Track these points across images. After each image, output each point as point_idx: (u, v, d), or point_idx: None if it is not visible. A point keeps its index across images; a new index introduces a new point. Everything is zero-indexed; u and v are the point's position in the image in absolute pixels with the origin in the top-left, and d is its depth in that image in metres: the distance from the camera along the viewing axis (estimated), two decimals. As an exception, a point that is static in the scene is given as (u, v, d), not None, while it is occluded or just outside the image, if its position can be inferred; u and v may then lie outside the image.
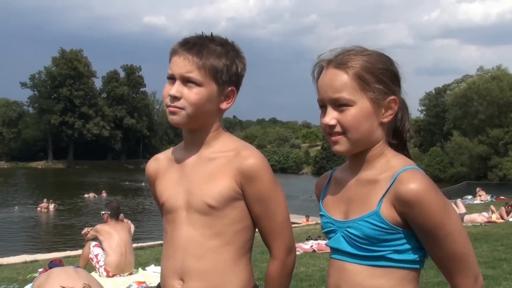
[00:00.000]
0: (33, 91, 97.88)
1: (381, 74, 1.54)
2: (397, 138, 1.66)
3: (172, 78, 1.75)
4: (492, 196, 25.19)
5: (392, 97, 1.56)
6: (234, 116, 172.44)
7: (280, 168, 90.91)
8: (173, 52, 1.76)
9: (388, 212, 1.49)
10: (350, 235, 1.56)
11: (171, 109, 1.74)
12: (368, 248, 1.53)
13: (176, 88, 1.72)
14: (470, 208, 16.95)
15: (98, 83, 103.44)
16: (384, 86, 1.54)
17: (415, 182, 1.45)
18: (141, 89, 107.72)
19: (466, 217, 13.99)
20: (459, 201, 16.10)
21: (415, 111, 79.93)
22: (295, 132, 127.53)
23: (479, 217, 13.94)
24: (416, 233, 1.50)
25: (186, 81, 1.72)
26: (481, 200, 23.80)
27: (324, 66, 1.59)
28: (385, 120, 1.57)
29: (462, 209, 14.86)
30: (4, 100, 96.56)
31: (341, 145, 1.57)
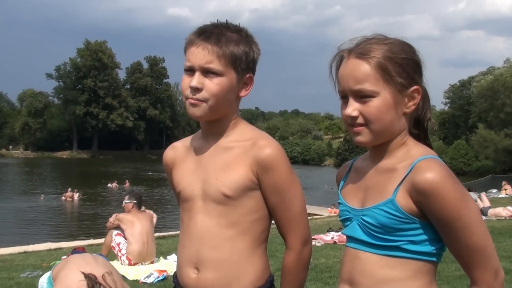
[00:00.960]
0: (58, 82, 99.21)
1: (404, 64, 1.51)
2: (417, 128, 1.63)
3: (190, 70, 1.73)
4: (517, 190, 24.76)
5: (415, 87, 1.53)
6: (256, 108, 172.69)
7: (302, 159, 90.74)
8: (190, 43, 1.73)
9: (404, 201, 1.46)
10: (365, 223, 1.53)
11: (192, 101, 1.72)
12: (382, 237, 1.50)
13: (197, 80, 1.70)
14: (495, 202, 16.70)
15: (121, 75, 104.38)
16: (407, 76, 1.51)
17: (432, 171, 1.42)
18: (164, 80, 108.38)
19: (491, 211, 13.79)
20: (483, 194, 15.86)
21: (440, 103, 79.03)
22: (317, 124, 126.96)
23: (504, 211, 13.72)
24: (433, 224, 1.47)
25: (206, 72, 1.70)
26: (507, 194, 23.44)
27: (345, 56, 1.56)
28: (408, 110, 1.55)
29: (486, 202, 14.65)
30: (30, 91, 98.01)
31: (364, 136, 1.55)
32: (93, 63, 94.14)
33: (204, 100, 1.71)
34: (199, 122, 1.85)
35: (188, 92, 1.72)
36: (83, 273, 2.29)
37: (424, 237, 1.49)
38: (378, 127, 1.52)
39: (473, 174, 55.34)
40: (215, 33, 1.71)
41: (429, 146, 1.62)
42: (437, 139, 70.42)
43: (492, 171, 52.61)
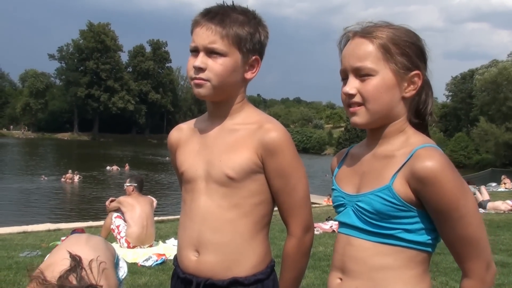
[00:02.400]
0: (61, 63, 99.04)
1: (406, 47, 1.51)
2: (418, 118, 1.62)
3: (195, 51, 1.73)
4: (517, 184, 24.78)
5: (416, 71, 1.52)
6: (258, 95, 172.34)
7: (303, 148, 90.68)
8: (195, 23, 1.73)
9: (401, 188, 1.45)
10: (360, 209, 1.52)
11: (196, 81, 1.72)
12: (377, 224, 1.49)
13: (200, 60, 1.70)
14: (494, 196, 16.71)
15: (124, 57, 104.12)
16: (408, 59, 1.51)
17: (432, 160, 1.41)
18: (167, 65, 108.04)
19: (490, 204, 13.80)
20: (483, 188, 15.86)
21: (442, 95, 78.80)
22: (319, 112, 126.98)
23: (503, 205, 13.73)
24: (429, 213, 1.47)
25: (210, 52, 1.70)
26: (506, 188, 23.44)
27: (350, 36, 1.56)
28: (408, 95, 1.54)
29: (486, 196, 14.65)
30: (32, 71, 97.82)
31: (360, 117, 1.54)
32: (96, 45, 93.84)
33: (208, 80, 1.71)
34: (206, 104, 1.85)
35: (192, 72, 1.73)
36: (69, 253, 2.29)
37: (419, 226, 1.48)
38: (375, 106, 1.51)
39: (473, 167, 55.36)
40: (220, 13, 1.71)
41: (428, 136, 1.61)
42: (438, 131, 70.36)
43: (492, 164, 52.60)
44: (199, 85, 1.72)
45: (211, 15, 1.71)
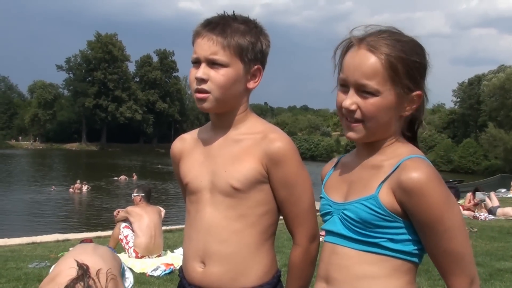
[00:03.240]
0: (69, 74, 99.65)
1: (414, 68, 1.48)
2: (410, 131, 1.61)
3: (197, 62, 1.72)
4: (527, 190, 24.57)
5: (418, 92, 1.50)
6: (265, 103, 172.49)
7: (311, 156, 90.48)
8: (197, 34, 1.73)
9: (387, 198, 1.44)
10: (346, 217, 1.51)
11: (199, 95, 1.71)
12: (362, 233, 1.47)
13: (202, 71, 1.69)
14: (504, 202, 16.58)
15: (131, 67, 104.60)
16: (413, 81, 1.48)
17: (418, 171, 1.39)
18: (174, 74, 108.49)
19: (499, 211, 13.70)
20: (492, 194, 15.75)
21: (449, 102, 78.53)
22: (326, 120, 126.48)
23: (513, 211, 13.63)
24: (414, 225, 1.44)
25: (212, 63, 1.69)
26: (515, 194, 23.24)
27: (355, 44, 1.51)
28: (406, 114, 1.53)
29: (495, 202, 14.54)
30: (40, 82, 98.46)
31: (356, 133, 1.53)
32: (103, 56, 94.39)
33: (210, 91, 1.70)
34: (209, 115, 1.85)
35: (194, 84, 1.72)
36: (77, 261, 2.29)
37: (405, 236, 1.46)
38: (374, 125, 1.49)
39: (482, 173, 55.01)
40: (220, 24, 1.71)
41: (417, 147, 1.59)
42: (446, 137, 70.09)
43: (501, 170, 52.19)
44: (202, 100, 1.72)
45: (212, 25, 1.71)
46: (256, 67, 1.76)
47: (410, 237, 1.46)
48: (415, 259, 1.49)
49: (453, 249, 1.42)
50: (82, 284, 2.33)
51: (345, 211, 1.53)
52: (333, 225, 1.57)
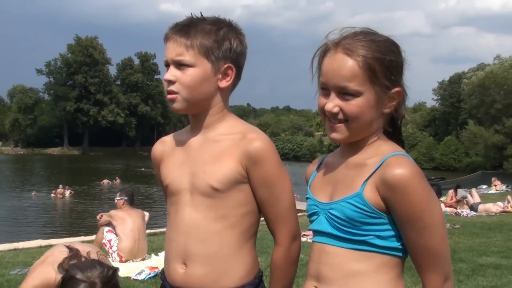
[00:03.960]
0: (49, 78, 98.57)
1: (390, 67, 1.51)
2: (392, 126, 1.63)
3: (167, 65, 1.75)
4: (507, 186, 24.91)
5: (397, 88, 1.53)
6: (248, 104, 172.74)
7: (294, 156, 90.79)
8: (165, 38, 1.76)
9: (371, 195, 1.47)
10: (332, 216, 1.53)
11: (169, 96, 1.74)
12: (349, 231, 1.50)
13: (170, 73, 1.72)
14: (485, 198, 16.79)
15: (112, 71, 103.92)
16: (391, 78, 1.51)
17: (402, 167, 1.43)
18: (156, 77, 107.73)
19: (481, 207, 13.87)
20: (474, 190, 15.95)
21: (430, 100, 79.30)
22: (309, 120, 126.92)
23: (494, 207, 13.81)
24: (395, 220, 1.48)
25: (178, 64, 1.71)
26: (496, 190, 23.57)
27: (331, 48, 1.53)
28: (387, 110, 1.56)
29: (477, 198, 14.73)
30: (20, 87, 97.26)
31: (340, 134, 1.55)
32: (84, 59, 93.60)
33: (178, 92, 1.72)
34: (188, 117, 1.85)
35: (166, 86, 1.75)
36: (65, 245, 2.28)
37: (390, 233, 1.49)
38: (357, 125, 1.52)
39: (464, 170, 55.67)
40: (186, 25, 1.73)
41: (402, 142, 1.63)
42: (428, 135, 70.77)
43: (482, 167, 52.96)
44: (172, 100, 1.74)
45: (178, 27, 1.73)
46: (226, 65, 1.76)
47: (395, 233, 1.49)
48: (402, 254, 1.52)
49: (430, 246, 1.45)
50: (75, 261, 2.32)
51: (331, 211, 1.55)
52: (320, 225, 1.59)
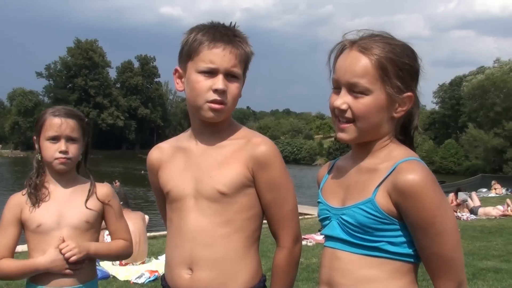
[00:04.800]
0: (49, 81, 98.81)
1: (404, 69, 1.50)
2: (404, 134, 1.62)
3: (211, 72, 1.70)
4: (507, 190, 24.92)
5: (409, 93, 1.52)
6: (248, 107, 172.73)
7: (294, 159, 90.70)
8: (212, 44, 1.70)
9: (383, 201, 1.45)
10: (344, 222, 1.52)
11: (216, 106, 1.70)
12: (362, 237, 1.48)
13: (223, 82, 1.69)
14: (485, 201, 16.78)
15: (112, 74, 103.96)
16: (404, 81, 1.50)
17: (414, 173, 1.41)
18: (155, 79, 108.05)
19: (481, 210, 13.87)
20: (474, 194, 15.94)
21: (430, 103, 79.28)
22: (308, 123, 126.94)
23: (494, 210, 13.82)
24: (408, 227, 1.46)
25: (228, 75, 1.71)
26: (496, 193, 23.57)
27: (347, 46, 1.54)
28: (397, 115, 1.54)
29: (477, 202, 14.73)
30: (20, 90, 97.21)
31: (348, 134, 1.54)
32: (84, 62, 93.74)
33: (226, 103, 1.72)
34: (194, 121, 1.84)
35: (209, 94, 1.70)
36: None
37: (403, 239, 1.47)
38: (365, 125, 1.51)
39: (463, 173, 55.61)
40: (233, 35, 1.73)
41: (413, 151, 1.60)
42: (428, 138, 70.73)
43: (482, 170, 52.85)
44: (218, 111, 1.71)
45: (228, 37, 1.71)
46: (245, 76, 1.80)
47: (408, 239, 1.48)
48: (414, 260, 1.50)
49: (442, 253, 1.44)
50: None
51: (343, 216, 1.54)
52: (332, 230, 1.58)
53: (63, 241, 2.17)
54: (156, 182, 1.91)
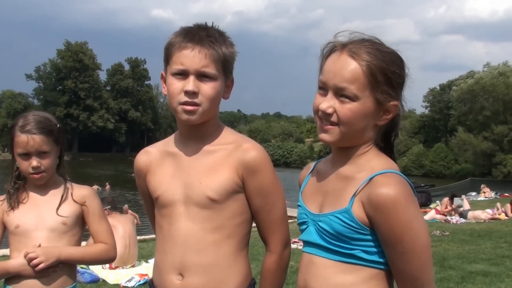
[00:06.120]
0: (38, 83, 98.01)
1: (392, 78, 1.49)
2: (385, 141, 1.61)
3: (182, 74, 1.69)
4: (496, 193, 25.10)
5: (395, 102, 1.52)
6: (238, 110, 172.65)
7: (284, 162, 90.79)
8: (181, 46, 1.70)
9: (359, 212, 1.45)
10: (321, 229, 1.51)
11: (188, 107, 1.69)
12: (337, 244, 1.48)
13: (193, 84, 1.67)
14: (474, 205, 16.89)
15: (102, 76, 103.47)
16: (392, 90, 1.50)
17: (387, 188, 1.40)
18: (146, 82, 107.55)
19: (470, 214, 13.96)
20: (463, 197, 16.05)
21: (420, 107, 79.63)
22: (299, 126, 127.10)
23: (483, 214, 13.91)
24: (379, 240, 1.45)
25: (201, 76, 1.68)
26: (485, 197, 23.72)
27: (338, 49, 1.53)
28: (381, 122, 1.54)
29: (466, 205, 14.83)
30: (9, 92, 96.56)
31: (330, 136, 1.53)
32: (74, 64, 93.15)
33: (200, 104, 1.69)
34: (179, 125, 1.83)
35: (181, 96, 1.69)
36: None
37: (379, 248, 1.46)
38: (348, 130, 1.50)
39: (453, 177, 55.85)
40: (205, 35, 1.70)
41: (393, 159, 1.59)
42: (418, 142, 71.06)
43: (472, 174, 53.21)
44: (190, 112, 1.70)
45: (199, 37, 1.69)
46: (231, 78, 1.79)
47: (382, 249, 1.47)
48: (388, 268, 1.49)
49: (408, 271, 1.42)
50: None
51: (320, 223, 1.53)
52: (309, 235, 1.58)
53: (39, 246, 2.19)
54: (144, 186, 1.89)
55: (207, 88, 1.69)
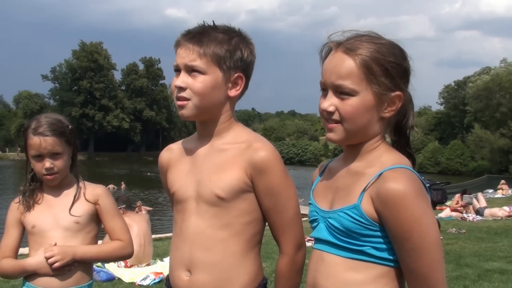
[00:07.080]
0: (54, 83, 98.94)
1: (390, 68, 1.47)
2: (398, 134, 1.59)
3: (178, 70, 1.75)
4: (514, 190, 24.80)
5: (398, 92, 1.49)
6: (253, 109, 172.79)
7: (299, 160, 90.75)
8: (177, 44, 1.76)
9: (368, 207, 1.43)
10: (330, 225, 1.50)
11: (179, 102, 1.73)
12: (347, 241, 1.47)
13: (181, 79, 1.71)
14: (491, 202, 16.72)
15: (117, 76, 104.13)
16: (391, 80, 1.48)
17: (396, 183, 1.38)
18: (160, 82, 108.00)
19: (487, 211, 13.82)
20: (480, 194, 15.88)
21: (435, 103, 79.09)
22: (314, 124, 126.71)
23: (500, 211, 13.75)
24: (388, 236, 1.43)
25: (190, 70, 1.71)
26: (503, 194, 23.46)
27: (333, 48, 1.53)
28: (386, 115, 1.52)
29: (483, 202, 14.66)
30: (26, 93, 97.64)
31: (336, 134, 1.52)
32: (89, 64, 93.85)
33: (189, 98, 1.71)
34: (195, 123, 1.85)
35: (175, 92, 1.74)
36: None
37: (389, 245, 1.44)
38: (352, 126, 1.49)
39: (470, 174, 55.43)
40: (198, 33, 1.73)
41: (410, 155, 1.57)
42: (433, 139, 70.56)
43: (488, 171, 52.70)
44: (181, 107, 1.73)
45: (190, 35, 1.74)
46: (236, 75, 1.76)
47: (392, 246, 1.45)
48: (399, 266, 1.46)
49: (417, 269, 1.40)
50: None
51: (329, 219, 1.53)
52: (320, 232, 1.57)
53: (55, 244, 2.25)
54: (166, 182, 1.93)
55: (195, 82, 1.70)
